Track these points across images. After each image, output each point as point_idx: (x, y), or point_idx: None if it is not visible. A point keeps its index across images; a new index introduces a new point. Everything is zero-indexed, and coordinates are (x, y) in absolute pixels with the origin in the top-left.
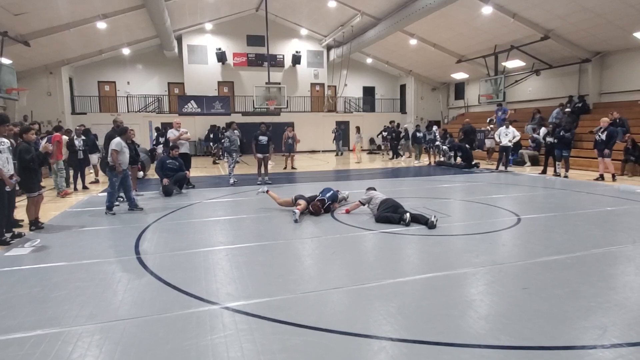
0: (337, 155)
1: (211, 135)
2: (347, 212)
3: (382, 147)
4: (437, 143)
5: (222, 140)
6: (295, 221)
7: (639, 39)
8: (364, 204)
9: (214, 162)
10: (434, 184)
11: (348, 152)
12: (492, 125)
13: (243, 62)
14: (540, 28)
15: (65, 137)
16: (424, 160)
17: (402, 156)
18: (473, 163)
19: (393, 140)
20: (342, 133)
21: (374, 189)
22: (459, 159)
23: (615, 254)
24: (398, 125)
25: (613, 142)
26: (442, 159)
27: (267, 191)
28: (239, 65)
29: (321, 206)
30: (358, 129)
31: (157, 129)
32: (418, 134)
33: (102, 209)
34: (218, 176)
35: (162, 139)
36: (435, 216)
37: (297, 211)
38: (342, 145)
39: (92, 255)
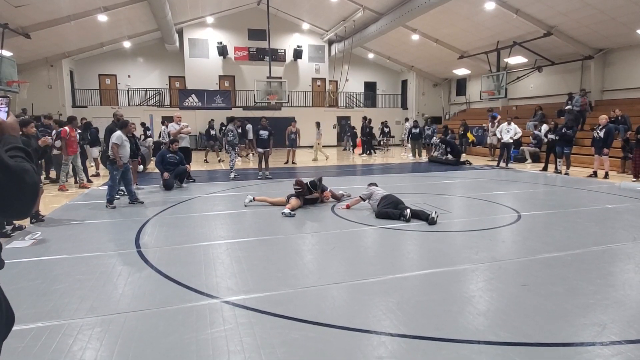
0: (346, 150)
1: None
2: (348, 207)
3: (382, 143)
4: (435, 138)
5: (227, 134)
6: (291, 215)
7: None
8: (364, 200)
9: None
10: (434, 180)
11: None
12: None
13: (244, 56)
14: (543, 24)
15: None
16: (425, 156)
17: (374, 152)
18: (462, 160)
19: (365, 136)
20: (347, 128)
21: (375, 185)
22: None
23: (615, 251)
24: (370, 121)
25: (611, 140)
26: (434, 154)
27: (253, 199)
28: (240, 59)
29: (306, 185)
30: (318, 124)
31: (142, 124)
32: (414, 130)
33: (103, 202)
34: (218, 170)
35: (149, 132)
36: (435, 212)
37: (285, 210)
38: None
39: (92, 248)
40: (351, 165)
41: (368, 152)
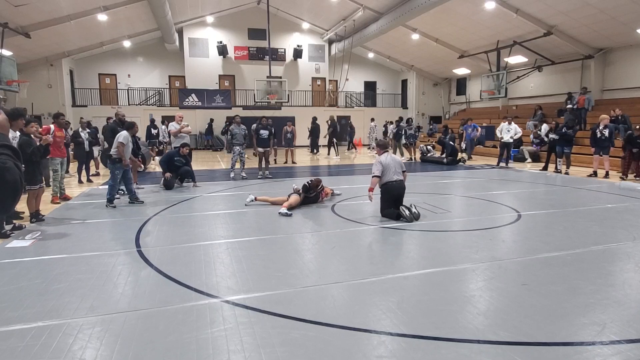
0: (313, 153)
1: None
2: (371, 190)
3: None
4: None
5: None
6: (288, 215)
7: None
8: (380, 176)
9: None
10: (434, 180)
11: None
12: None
13: (244, 55)
14: (543, 24)
15: (51, 128)
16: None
17: (318, 152)
18: (458, 159)
19: (311, 135)
20: (317, 127)
21: (386, 150)
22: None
23: (614, 251)
24: (315, 119)
25: (612, 139)
26: (428, 154)
27: (255, 198)
28: (240, 58)
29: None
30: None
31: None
32: (409, 131)
33: (103, 201)
34: (219, 170)
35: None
36: (411, 204)
37: (282, 210)
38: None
39: (92, 247)
40: (308, 166)
41: (314, 150)
